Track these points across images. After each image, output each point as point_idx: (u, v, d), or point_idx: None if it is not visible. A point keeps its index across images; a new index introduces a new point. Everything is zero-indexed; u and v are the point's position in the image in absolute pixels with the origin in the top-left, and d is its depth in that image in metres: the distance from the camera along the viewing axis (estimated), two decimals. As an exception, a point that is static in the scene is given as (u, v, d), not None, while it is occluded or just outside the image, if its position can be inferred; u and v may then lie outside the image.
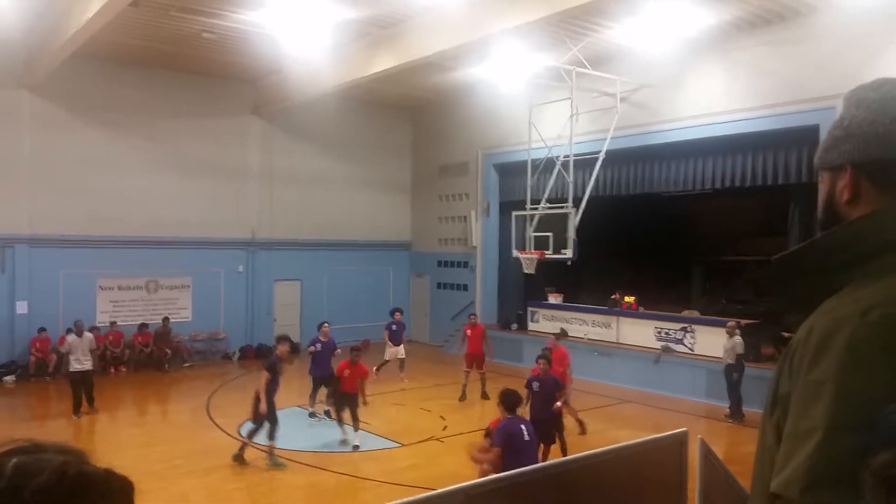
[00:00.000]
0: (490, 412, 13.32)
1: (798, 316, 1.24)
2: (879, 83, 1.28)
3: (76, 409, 12.60)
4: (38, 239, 16.59)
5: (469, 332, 15.01)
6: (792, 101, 13.14)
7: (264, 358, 19.03)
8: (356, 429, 11.15)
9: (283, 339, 11.17)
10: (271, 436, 10.12)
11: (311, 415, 12.96)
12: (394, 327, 16.13)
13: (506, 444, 6.86)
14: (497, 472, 7.26)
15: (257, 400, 10.15)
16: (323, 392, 13.00)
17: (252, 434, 10.33)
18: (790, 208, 14.65)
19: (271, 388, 10.17)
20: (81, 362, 12.53)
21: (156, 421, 13.72)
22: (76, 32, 12.44)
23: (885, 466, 0.64)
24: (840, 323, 1.10)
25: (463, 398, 14.26)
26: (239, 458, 10.13)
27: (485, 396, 14.26)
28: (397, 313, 16.51)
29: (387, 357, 15.98)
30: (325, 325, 13.52)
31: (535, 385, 9.79)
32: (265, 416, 10.15)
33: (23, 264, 16.51)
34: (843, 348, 1.07)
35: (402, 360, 16.03)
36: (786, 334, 11.63)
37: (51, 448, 1.00)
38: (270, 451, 10.13)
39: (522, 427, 6.93)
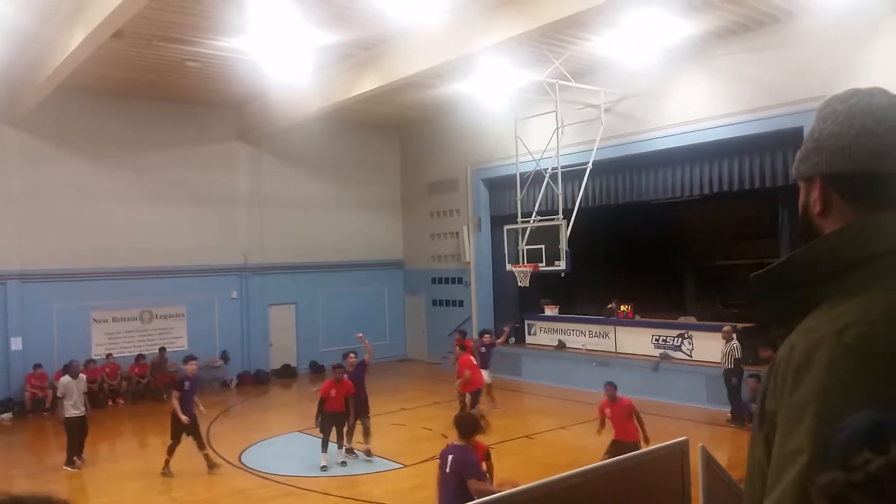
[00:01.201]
0: (492, 427, 13.28)
1: (780, 328, 1.26)
2: (849, 94, 1.30)
3: (74, 458, 11.51)
4: (30, 274, 16.51)
5: (457, 349, 14.86)
6: (774, 105, 13.26)
7: (262, 383, 19.15)
8: (340, 446, 11.27)
9: (189, 358, 11.96)
10: (201, 446, 11.26)
11: (348, 451, 11.72)
12: (482, 349, 14.77)
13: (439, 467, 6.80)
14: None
15: (174, 417, 11.11)
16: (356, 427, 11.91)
17: (200, 445, 11.32)
18: (779, 210, 14.74)
19: (184, 403, 11.16)
20: (78, 406, 11.57)
21: (155, 452, 13.54)
22: (59, 66, 12.44)
23: (829, 485, 0.67)
24: (818, 343, 1.12)
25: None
26: (210, 465, 11.14)
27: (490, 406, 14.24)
28: (486, 335, 15.19)
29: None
30: (352, 355, 12.08)
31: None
32: (189, 428, 11.13)
33: (15, 300, 16.42)
34: (822, 370, 1.08)
35: (488, 386, 14.53)
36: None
37: (30, 501, 0.95)
38: (207, 458, 11.21)
39: (449, 457, 6.64)
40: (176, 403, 11.14)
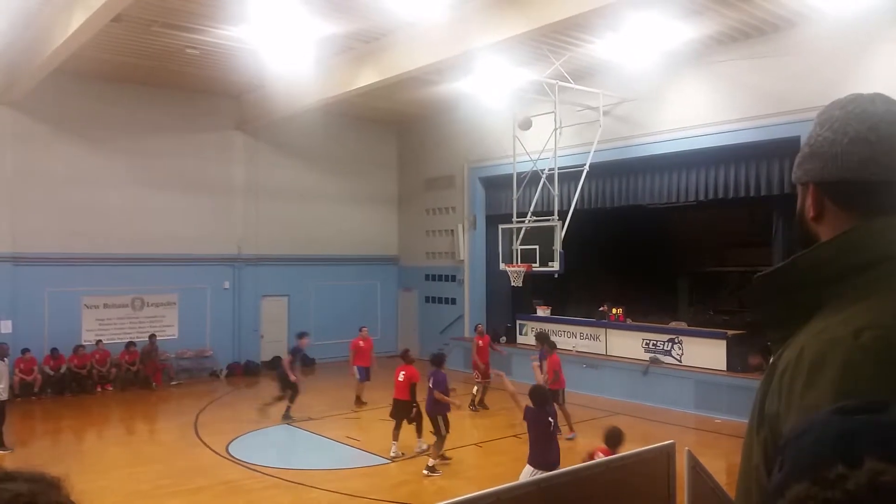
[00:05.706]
0: (481, 425, 13.31)
1: (777, 332, 1.25)
2: (849, 100, 1.30)
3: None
4: (22, 257, 16.43)
5: (480, 342, 15.38)
6: (772, 113, 13.28)
7: (252, 374, 19.12)
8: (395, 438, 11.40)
9: (304, 334, 14.80)
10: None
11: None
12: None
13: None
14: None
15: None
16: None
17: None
18: (773, 219, 14.78)
19: None
20: (6, 390, 11.43)
21: (143, 440, 13.57)
22: (58, 48, 12.38)
23: (799, 499, 0.60)
24: (832, 345, 1.10)
25: (476, 408, 14.77)
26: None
27: (481, 405, 14.84)
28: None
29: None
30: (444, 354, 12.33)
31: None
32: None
33: (6, 283, 16.31)
34: (838, 372, 1.07)
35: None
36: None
37: (21, 477, 0.96)
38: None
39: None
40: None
